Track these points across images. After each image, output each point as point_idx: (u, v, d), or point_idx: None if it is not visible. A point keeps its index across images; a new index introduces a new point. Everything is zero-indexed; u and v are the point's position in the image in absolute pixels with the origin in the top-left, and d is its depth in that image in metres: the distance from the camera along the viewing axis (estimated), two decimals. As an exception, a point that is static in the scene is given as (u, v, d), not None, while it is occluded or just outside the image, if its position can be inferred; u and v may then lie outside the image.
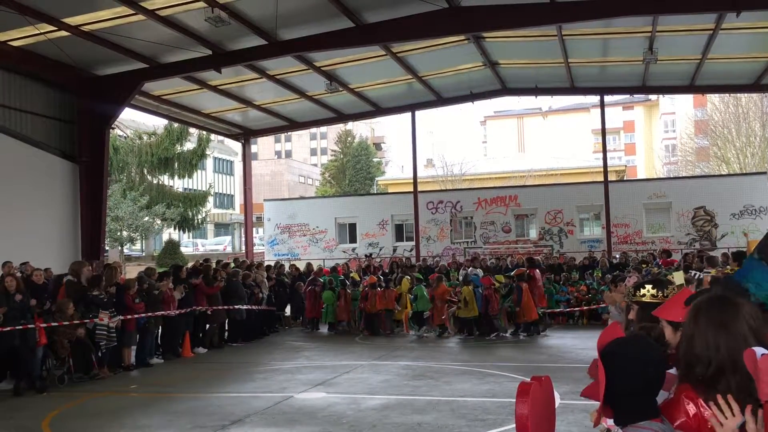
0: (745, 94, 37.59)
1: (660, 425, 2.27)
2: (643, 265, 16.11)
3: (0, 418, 9.17)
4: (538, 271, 16.72)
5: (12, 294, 10.75)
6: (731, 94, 38.24)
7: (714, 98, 43.61)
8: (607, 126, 24.65)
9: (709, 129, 45.51)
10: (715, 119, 44.52)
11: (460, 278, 16.86)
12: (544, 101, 68.11)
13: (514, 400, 2.80)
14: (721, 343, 2.30)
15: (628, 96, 54.49)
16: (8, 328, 10.52)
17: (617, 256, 21.24)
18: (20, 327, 10.67)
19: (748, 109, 42.08)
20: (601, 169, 25.63)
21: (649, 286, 3.72)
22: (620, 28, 17.18)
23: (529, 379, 3.40)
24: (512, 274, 16.30)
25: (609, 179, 25.16)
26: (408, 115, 25.23)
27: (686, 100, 56.69)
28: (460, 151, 53.66)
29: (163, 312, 13.47)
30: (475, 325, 16.03)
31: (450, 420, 8.21)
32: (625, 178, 43.79)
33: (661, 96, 55.24)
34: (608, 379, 2.26)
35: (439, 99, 23.78)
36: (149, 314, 13.11)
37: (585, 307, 17.79)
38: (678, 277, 3.95)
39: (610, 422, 2.79)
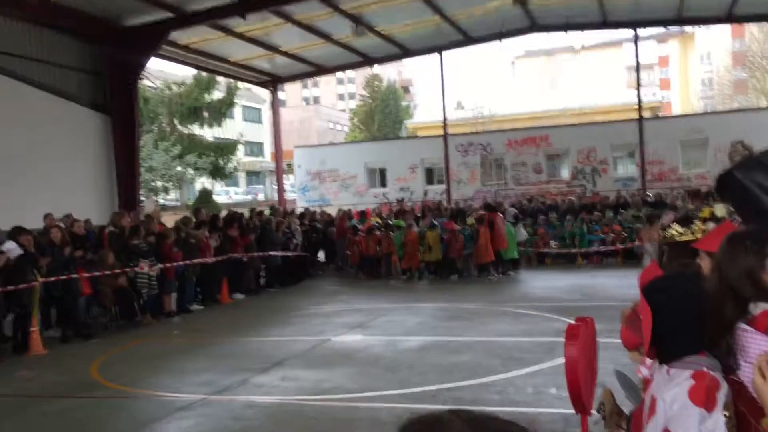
0: (787, 23, 36.14)
1: (706, 359, 2.23)
2: (678, 203, 15.91)
3: (51, 363, 9.55)
4: (499, 214, 16.98)
5: (57, 245, 11.05)
6: (771, 24, 36.80)
7: (753, 28, 42.08)
8: (641, 61, 24.02)
9: (747, 60, 44.08)
10: (753, 50, 43.08)
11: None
12: (575, 39, 66.41)
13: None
14: None
15: (662, 29, 52.80)
16: (53, 279, 10.86)
17: (650, 194, 20.94)
18: (64, 277, 11.01)
19: (788, 39, 40.62)
20: (636, 106, 25.08)
21: (675, 224, 3.71)
22: (655, -43, 16.58)
23: (573, 321, 3.41)
24: (473, 217, 16.79)
25: (643, 116, 24.60)
26: (436, 57, 24.79)
27: (723, 31, 54.76)
28: (490, 93, 52.78)
29: (200, 260, 13.77)
30: (439, 267, 16.84)
31: (485, 359, 8.30)
32: (660, 115, 42.80)
33: (697, 28, 53.31)
34: (653, 316, 2.23)
35: (467, 38, 23.31)
36: (187, 262, 13.40)
37: (620, 246, 17.68)
38: (719, 210, 3.90)
39: (645, 372, 2.76)
